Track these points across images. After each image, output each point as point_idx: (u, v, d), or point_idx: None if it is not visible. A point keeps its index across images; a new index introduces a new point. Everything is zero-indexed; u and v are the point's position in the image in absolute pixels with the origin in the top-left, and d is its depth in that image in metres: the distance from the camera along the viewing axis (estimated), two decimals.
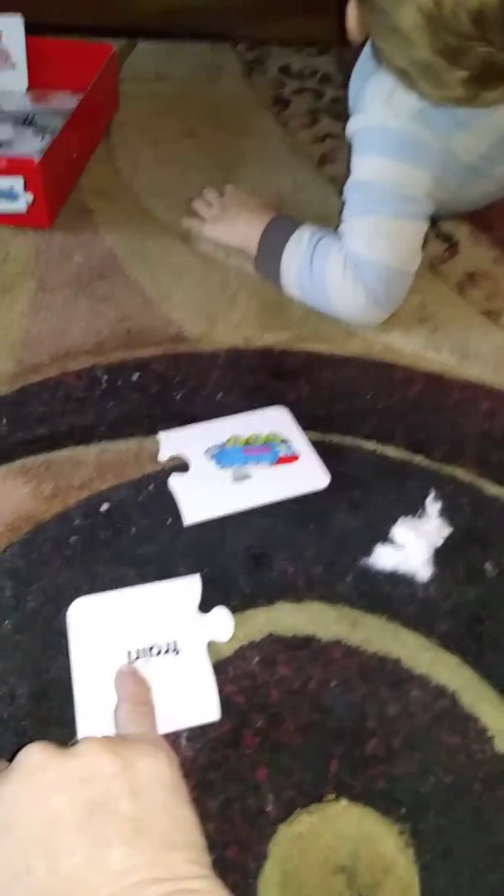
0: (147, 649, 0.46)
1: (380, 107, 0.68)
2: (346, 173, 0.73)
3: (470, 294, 0.78)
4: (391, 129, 0.67)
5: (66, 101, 0.98)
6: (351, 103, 0.74)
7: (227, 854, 0.40)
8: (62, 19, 1.24)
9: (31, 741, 0.36)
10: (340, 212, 0.73)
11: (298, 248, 0.73)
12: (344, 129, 1.01)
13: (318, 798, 0.42)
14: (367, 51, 0.71)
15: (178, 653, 0.46)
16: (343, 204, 0.72)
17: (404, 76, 0.59)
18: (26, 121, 0.96)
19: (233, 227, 0.80)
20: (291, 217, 0.78)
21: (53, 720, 0.44)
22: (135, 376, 0.66)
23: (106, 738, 0.37)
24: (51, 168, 0.78)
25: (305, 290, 0.73)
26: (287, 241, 0.73)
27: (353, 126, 0.72)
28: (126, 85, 1.08)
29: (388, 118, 0.68)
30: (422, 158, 0.68)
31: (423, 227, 0.71)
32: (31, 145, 0.91)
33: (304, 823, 0.41)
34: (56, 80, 1.01)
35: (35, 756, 0.35)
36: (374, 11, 0.57)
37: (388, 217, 0.69)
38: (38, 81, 1.02)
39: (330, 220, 0.78)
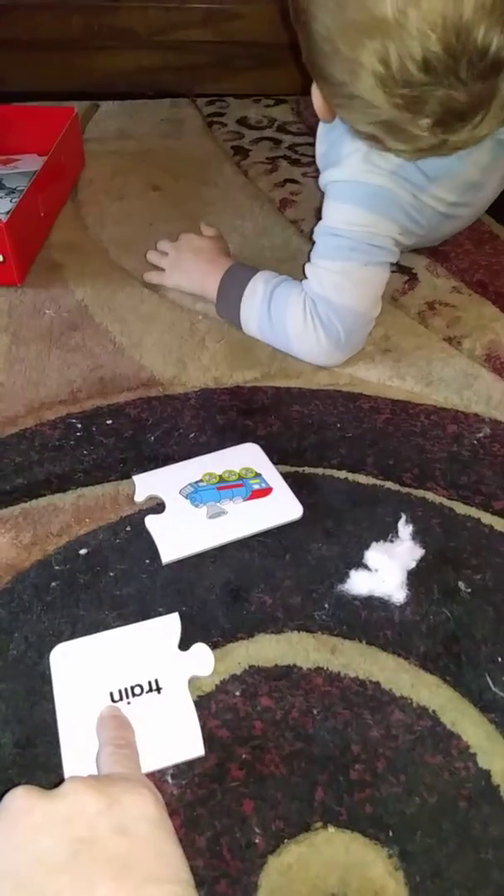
0: (129, 689, 0.47)
1: (358, 162, 0.70)
2: (316, 217, 0.75)
3: (431, 323, 0.81)
4: (367, 183, 0.70)
5: (32, 163, 1.02)
6: (322, 157, 0.76)
7: (217, 889, 0.40)
8: (27, 86, 1.30)
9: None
10: (308, 252, 0.75)
11: (254, 302, 0.75)
12: (303, 174, 1.06)
13: (306, 827, 0.43)
14: None
15: (160, 691, 0.47)
16: (312, 245, 0.75)
17: (374, 140, 0.61)
18: None
19: (189, 277, 0.82)
20: (246, 265, 0.80)
21: (39, 766, 0.44)
22: (109, 422, 0.68)
23: (90, 777, 0.37)
24: (18, 228, 0.81)
25: (267, 338, 0.76)
26: (242, 294, 0.76)
27: (328, 177, 0.74)
28: (91, 144, 1.12)
29: (365, 174, 0.70)
30: (394, 211, 0.71)
31: (387, 274, 0.74)
32: (0, 207, 0.94)
33: (293, 853, 0.41)
34: (22, 144, 1.05)
35: (20, 799, 0.35)
36: (332, 85, 0.58)
37: (358, 264, 0.71)
38: (5, 146, 1.06)
39: (293, 262, 0.81)
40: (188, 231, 0.87)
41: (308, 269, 0.74)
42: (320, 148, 0.77)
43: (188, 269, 0.82)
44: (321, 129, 0.77)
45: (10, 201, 0.95)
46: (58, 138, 0.93)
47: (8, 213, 0.81)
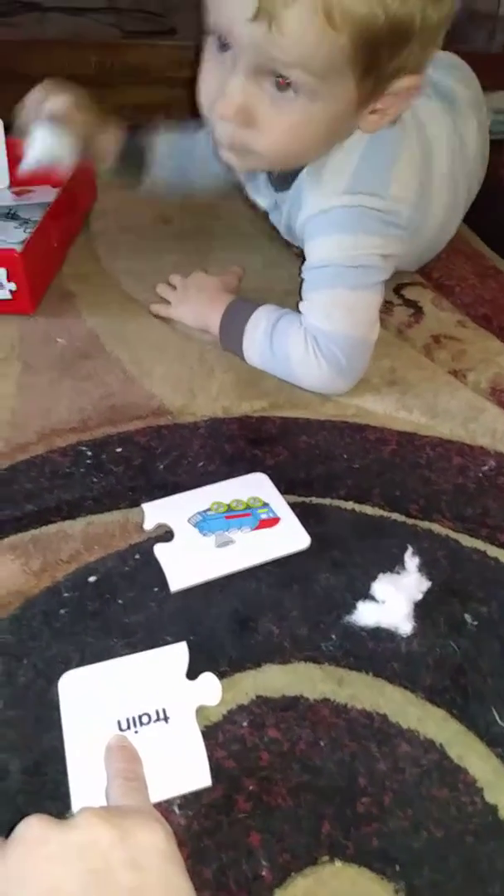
0: (137, 718, 0.47)
1: (317, 197, 0.72)
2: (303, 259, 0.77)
3: (437, 356, 0.82)
4: (331, 207, 0.71)
5: (46, 195, 1.04)
6: (287, 215, 0.79)
7: None
8: None
9: (25, 816, 0.37)
10: (300, 290, 0.76)
11: (256, 335, 0.77)
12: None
13: (313, 861, 0.42)
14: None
15: (167, 720, 0.47)
16: (301, 283, 0.76)
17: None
18: (9, 215, 1.01)
19: (193, 311, 0.84)
20: (248, 300, 0.81)
21: (47, 794, 0.44)
22: (118, 450, 0.69)
23: (103, 808, 0.38)
24: (32, 258, 0.82)
25: (269, 368, 0.78)
26: (244, 328, 0.77)
27: (301, 221, 0.75)
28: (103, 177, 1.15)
29: (325, 201, 0.72)
30: (368, 223, 0.72)
31: (379, 297, 0.75)
32: (14, 237, 0.95)
33: (300, 887, 0.41)
34: (36, 176, 1.07)
35: (34, 829, 0.35)
36: None
37: (346, 290, 0.72)
38: (22, 177, 1.08)
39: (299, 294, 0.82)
40: (197, 264, 0.89)
41: (301, 306, 0.75)
42: (283, 213, 0.81)
43: (192, 304, 0.84)
44: (273, 211, 0.83)
45: (25, 231, 0.97)
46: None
47: (22, 242, 0.83)
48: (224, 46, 0.62)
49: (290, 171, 0.75)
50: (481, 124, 0.89)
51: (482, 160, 0.91)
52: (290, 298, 0.81)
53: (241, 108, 0.62)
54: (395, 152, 0.72)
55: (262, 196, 0.84)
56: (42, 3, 1.63)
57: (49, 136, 0.77)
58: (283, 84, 0.60)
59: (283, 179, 0.77)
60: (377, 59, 0.59)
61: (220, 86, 0.62)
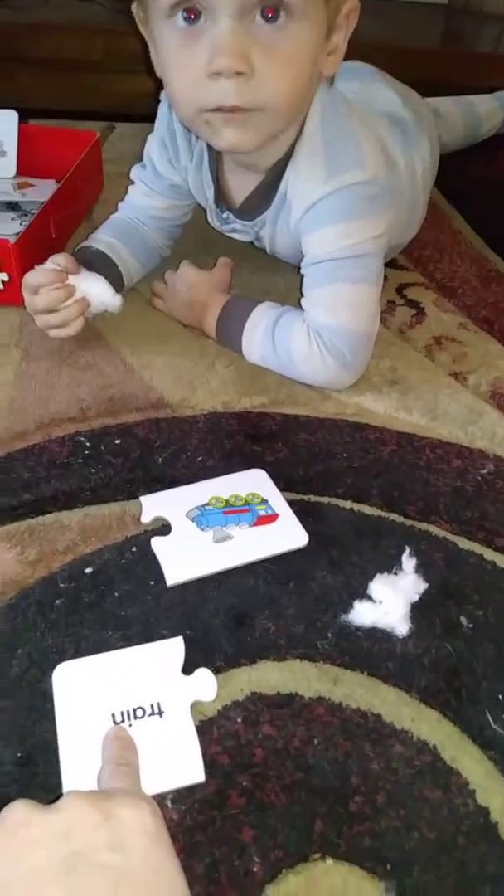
0: (131, 712, 0.47)
1: (301, 192, 0.72)
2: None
3: (438, 357, 0.82)
4: (320, 198, 0.71)
5: (52, 186, 1.03)
6: (272, 241, 0.80)
7: None
8: (47, 104, 1.32)
9: None
10: (300, 287, 0.76)
11: (256, 334, 0.77)
12: None
13: (304, 858, 0.42)
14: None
15: (161, 715, 0.47)
16: (301, 279, 0.76)
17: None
18: (10, 206, 1.00)
19: (184, 309, 0.83)
20: (244, 298, 0.81)
21: (39, 785, 0.44)
22: (117, 441, 0.68)
23: (89, 791, 0.38)
24: (26, 249, 0.80)
25: (273, 367, 0.77)
26: (243, 327, 0.77)
27: (294, 220, 0.75)
28: (107, 166, 1.13)
29: (311, 195, 0.71)
30: (355, 208, 0.71)
31: (379, 288, 0.75)
32: (11, 228, 0.94)
33: (291, 884, 0.41)
34: (43, 166, 1.06)
35: (18, 813, 0.35)
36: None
37: (348, 284, 0.72)
38: (30, 166, 1.07)
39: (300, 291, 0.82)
40: (199, 256, 0.88)
41: (303, 302, 0.75)
42: (266, 239, 0.82)
43: (184, 302, 0.83)
44: (256, 242, 0.85)
45: (21, 223, 0.96)
46: (75, 163, 0.94)
47: (17, 234, 0.82)
48: (191, 15, 0.59)
49: (262, 191, 0.76)
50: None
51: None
52: (295, 294, 0.81)
53: (240, 53, 0.58)
54: (350, 127, 0.72)
55: (240, 234, 0.84)
56: None
57: (95, 287, 0.77)
58: (270, 13, 0.58)
59: (254, 204, 0.78)
60: None
61: (202, 60, 0.59)
